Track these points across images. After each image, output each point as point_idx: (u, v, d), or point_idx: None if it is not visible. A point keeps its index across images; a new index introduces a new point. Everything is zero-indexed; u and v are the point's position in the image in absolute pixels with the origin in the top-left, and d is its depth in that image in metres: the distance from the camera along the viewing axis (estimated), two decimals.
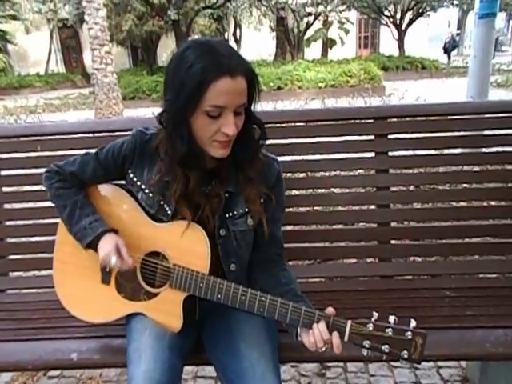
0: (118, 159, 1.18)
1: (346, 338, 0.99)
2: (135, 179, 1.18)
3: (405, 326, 0.96)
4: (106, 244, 1.12)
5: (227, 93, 0.96)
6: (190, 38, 1.05)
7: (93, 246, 1.15)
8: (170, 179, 1.10)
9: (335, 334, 0.98)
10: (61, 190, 1.21)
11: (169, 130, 1.05)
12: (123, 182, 1.22)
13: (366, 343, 0.97)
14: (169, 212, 1.14)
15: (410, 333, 0.95)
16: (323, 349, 1.00)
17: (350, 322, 0.99)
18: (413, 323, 0.96)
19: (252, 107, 1.07)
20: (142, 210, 1.18)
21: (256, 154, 1.13)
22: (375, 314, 0.98)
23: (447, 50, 21.14)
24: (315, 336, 0.99)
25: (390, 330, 0.96)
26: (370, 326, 0.97)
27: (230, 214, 1.15)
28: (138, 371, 1.02)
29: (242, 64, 0.99)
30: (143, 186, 1.17)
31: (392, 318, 0.97)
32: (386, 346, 0.96)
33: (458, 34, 29.14)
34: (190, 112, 0.99)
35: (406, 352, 0.96)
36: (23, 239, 1.76)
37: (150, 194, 1.15)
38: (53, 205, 1.25)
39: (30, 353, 1.29)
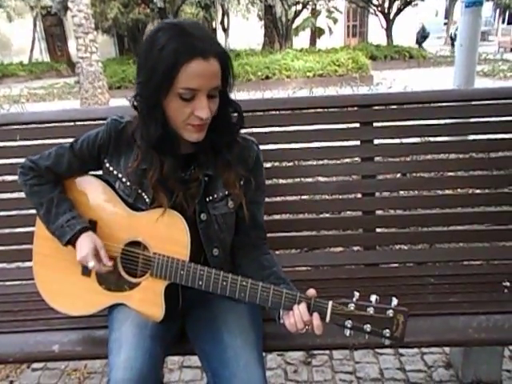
0: (93, 150, 1.15)
1: (327, 319, 0.99)
2: (111, 168, 1.16)
3: (386, 304, 0.96)
4: (84, 247, 1.11)
5: (200, 75, 0.95)
6: (162, 20, 1.02)
7: (71, 242, 1.13)
8: (146, 166, 1.09)
9: (315, 315, 0.98)
10: (36, 186, 1.19)
11: (143, 113, 1.03)
12: (100, 172, 1.20)
13: (348, 323, 0.97)
14: (147, 200, 1.12)
15: (391, 311, 0.95)
16: (303, 330, 1.00)
17: (331, 303, 0.99)
18: (394, 301, 0.96)
19: (228, 90, 1.05)
20: (120, 200, 1.16)
21: (233, 137, 1.13)
22: (356, 294, 0.98)
23: (418, 41, 21.50)
24: (295, 317, 0.99)
25: (371, 308, 0.96)
26: (352, 306, 0.97)
27: (210, 197, 1.14)
28: (118, 360, 1.01)
29: (215, 46, 0.97)
30: (120, 175, 1.15)
31: (373, 297, 0.98)
32: (368, 325, 0.96)
33: (445, 24, 29.26)
34: (163, 95, 0.97)
35: (387, 330, 0.96)
36: (6, 230, 1.73)
37: (128, 183, 1.14)
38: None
39: (11, 345, 1.27)
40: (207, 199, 1.13)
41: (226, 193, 1.14)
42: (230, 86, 1.05)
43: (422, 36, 21.14)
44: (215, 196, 1.14)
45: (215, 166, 1.11)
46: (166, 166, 1.07)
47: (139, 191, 1.13)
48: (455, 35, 21.29)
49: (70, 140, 1.22)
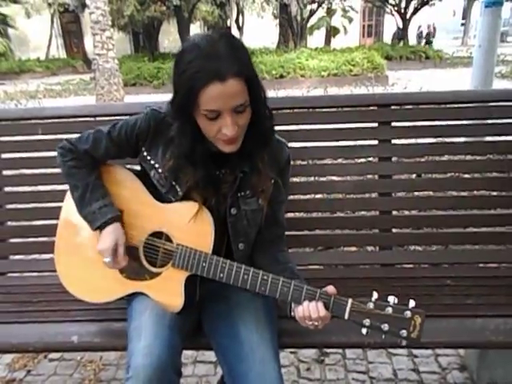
0: (131, 137, 1.17)
1: (346, 316, 1.00)
2: (149, 158, 1.18)
3: (404, 305, 0.97)
4: (107, 239, 1.13)
5: (218, 98, 0.95)
6: (192, 35, 1.02)
7: (101, 229, 1.16)
8: (183, 165, 1.11)
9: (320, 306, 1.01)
10: (74, 169, 1.21)
11: (176, 126, 1.07)
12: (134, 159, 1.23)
13: (366, 322, 0.99)
14: (180, 193, 1.14)
15: (409, 312, 0.97)
16: (314, 323, 1.02)
17: (350, 300, 1.00)
18: (412, 303, 0.97)
19: (259, 102, 1.04)
20: (147, 191, 1.19)
21: (267, 142, 1.14)
22: (375, 294, 1.00)
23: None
24: (311, 312, 1.00)
25: (389, 308, 0.98)
26: (371, 305, 0.99)
27: (243, 193, 1.15)
28: (138, 346, 1.03)
29: (235, 65, 0.95)
30: (157, 165, 1.17)
31: (391, 298, 0.99)
32: (386, 324, 0.98)
33: (462, 24, 28.89)
34: (190, 113, 1.00)
35: (404, 331, 0.97)
36: (24, 223, 1.77)
37: (163, 174, 1.16)
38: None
39: (32, 335, 1.30)
40: (239, 194, 1.15)
41: (259, 190, 1.15)
42: (261, 98, 1.05)
43: (398, 38, 21.56)
44: (247, 192, 1.15)
45: (251, 164, 1.13)
46: (196, 176, 1.10)
47: (173, 183, 1.15)
48: (421, 32, 22.57)
49: (104, 128, 1.22)
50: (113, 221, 1.16)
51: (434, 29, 24.47)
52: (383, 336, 0.99)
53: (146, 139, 1.17)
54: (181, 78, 0.97)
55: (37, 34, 23.11)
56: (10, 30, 21.94)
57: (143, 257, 1.18)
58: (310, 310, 1.01)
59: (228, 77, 0.94)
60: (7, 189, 1.72)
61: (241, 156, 1.11)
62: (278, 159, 1.18)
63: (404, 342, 0.99)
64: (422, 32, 24.54)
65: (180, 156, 1.10)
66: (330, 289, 1.03)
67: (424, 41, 23.65)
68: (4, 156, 1.70)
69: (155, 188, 1.18)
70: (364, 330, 1.00)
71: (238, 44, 0.99)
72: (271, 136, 1.15)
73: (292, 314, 1.07)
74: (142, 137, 1.16)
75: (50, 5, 20.99)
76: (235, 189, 1.14)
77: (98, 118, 1.67)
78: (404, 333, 0.97)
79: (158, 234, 1.17)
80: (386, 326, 0.97)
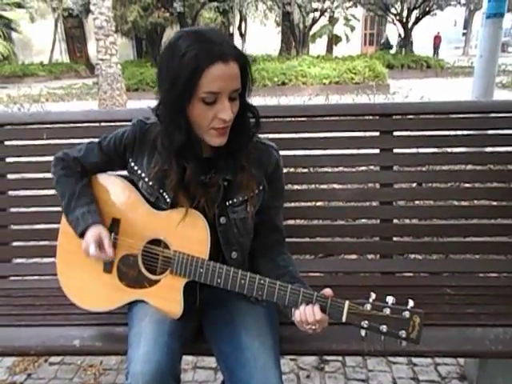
0: (119, 148, 1.20)
1: (344, 318, 1.00)
2: (136, 168, 1.19)
3: (402, 305, 0.97)
4: (88, 236, 1.14)
5: (221, 78, 0.97)
6: (177, 31, 1.05)
7: (84, 235, 1.17)
8: (167, 169, 1.12)
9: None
10: (63, 177, 1.23)
11: (166, 122, 1.07)
12: (125, 171, 1.25)
13: (364, 323, 0.98)
14: (168, 200, 1.15)
15: (407, 312, 0.96)
16: (311, 328, 1.02)
17: (347, 302, 1.00)
18: (410, 303, 0.97)
19: (246, 94, 1.07)
20: (143, 199, 1.20)
21: (249, 140, 1.14)
22: (373, 295, 0.99)
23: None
24: (307, 316, 1.01)
25: (387, 309, 0.97)
26: (368, 306, 0.98)
27: (230, 201, 1.16)
28: (137, 353, 1.03)
29: (234, 49, 1.00)
30: (143, 175, 1.18)
31: (390, 299, 0.98)
32: (384, 325, 0.97)
33: (464, 34, 29.06)
34: (187, 100, 1.00)
35: (403, 332, 0.96)
36: (26, 226, 1.77)
37: (150, 183, 1.17)
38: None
39: (33, 338, 1.30)
40: (227, 203, 1.15)
41: (246, 197, 1.16)
42: (248, 89, 1.07)
43: (386, 48, 22.27)
44: (235, 200, 1.16)
45: (234, 171, 1.13)
46: (189, 171, 1.10)
47: (160, 191, 1.15)
48: (382, 46, 23.03)
49: (96, 139, 1.26)
50: (94, 225, 1.16)
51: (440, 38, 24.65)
52: (382, 337, 0.98)
53: (132, 150, 1.19)
54: (182, 60, 0.96)
55: (40, 39, 23.27)
56: (14, 34, 22.07)
57: (142, 264, 1.18)
58: (306, 314, 1.01)
59: (230, 59, 0.97)
60: (11, 192, 1.73)
61: (225, 156, 1.11)
62: (265, 162, 1.18)
63: (404, 343, 0.98)
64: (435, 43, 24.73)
65: (168, 154, 1.09)
66: (327, 291, 1.03)
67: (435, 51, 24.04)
68: (9, 160, 1.71)
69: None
70: (363, 332, 0.99)
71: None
72: (252, 133, 1.14)
73: (293, 318, 1.06)
74: (129, 147, 1.19)
75: (54, 9, 21.17)
76: (222, 196, 1.14)
77: (102, 124, 1.69)
78: (403, 333, 0.96)
79: (156, 242, 1.17)
80: (384, 327, 0.97)
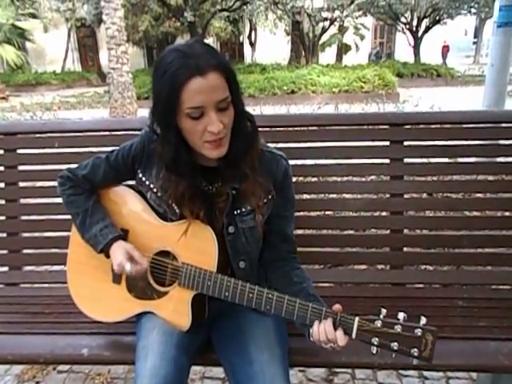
0: (127, 160, 1.20)
1: (353, 335, 0.97)
2: (144, 179, 1.19)
3: (414, 322, 0.94)
4: (118, 254, 1.14)
5: (200, 92, 0.96)
6: (166, 47, 1.05)
7: (105, 251, 1.17)
8: (168, 181, 1.12)
9: (339, 331, 0.98)
10: (72, 196, 1.23)
11: (160, 137, 1.08)
12: (133, 182, 1.24)
13: (375, 340, 0.95)
14: (177, 211, 1.15)
15: (419, 330, 0.93)
16: (328, 345, 1.00)
17: (357, 319, 0.97)
18: (423, 320, 0.93)
19: (238, 100, 1.05)
20: (151, 210, 1.20)
21: (250, 148, 1.12)
22: (383, 311, 0.96)
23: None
24: (320, 334, 0.99)
25: (398, 326, 0.94)
26: (379, 323, 0.95)
27: (238, 210, 1.15)
28: (144, 367, 1.03)
29: (212, 59, 0.97)
30: (152, 186, 1.18)
31: (401, 315, 0.95)
32: (396, 343, 0.94)
33: (474, 43, 28.97)
34: (174, 117, 1.00)
35: (416, 350, 0.93)
36: (37, 234, 1.79)
37: (159, 194, 1.16)
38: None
39: (42, 346, 1.30)
40: (235, 212, 1.15)
41: (254, 206, 1.15)
42: (239, 95, 1.05)
43: (376, 58, 22.58)
44: (243, 210, 1.15)
45: (240, 179, 1.13)
46: (181, 186, 1.09)
47: (170, 202, 1.15)
48: (373, 57, 23.35)
49: (106, 148, 1.27)
50: (115, 240, 1.16)
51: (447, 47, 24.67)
52: (393, 355, 0.96)
53: (141, 161, 1.18)
54: (162, 78, 0.98)
55: (53, 48, 23.68)
56: (28, 44, 22.45)
57: (150, 276, 1.18)
58: (319, 334, 0.99)
59: (207, 70, 0.96)
60: (22, 200, 1.74)
61: (229, 166, 1.10)
62: (274, 171, 1.16)
63: (416, 362, 0.95)
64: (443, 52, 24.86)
65: (166, 168, 1.10)
66: (336, 307, 1.01)
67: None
68: (21, 168, 1.73)
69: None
70: (374, 350, 0.97)
71: (211, 46, 1.04)
72: (251, 140, 1.12)
73: (311, 339, 1.04)
74: (138, 159, 1.19)
75: (67, 20, 21.53)
76: (230, 205, 1.13)
77: (113, 133, 1.70)
78: (415, 351, 0.93)
79: (164, 253, 1.17)
80: (395, 345, 0.94)
